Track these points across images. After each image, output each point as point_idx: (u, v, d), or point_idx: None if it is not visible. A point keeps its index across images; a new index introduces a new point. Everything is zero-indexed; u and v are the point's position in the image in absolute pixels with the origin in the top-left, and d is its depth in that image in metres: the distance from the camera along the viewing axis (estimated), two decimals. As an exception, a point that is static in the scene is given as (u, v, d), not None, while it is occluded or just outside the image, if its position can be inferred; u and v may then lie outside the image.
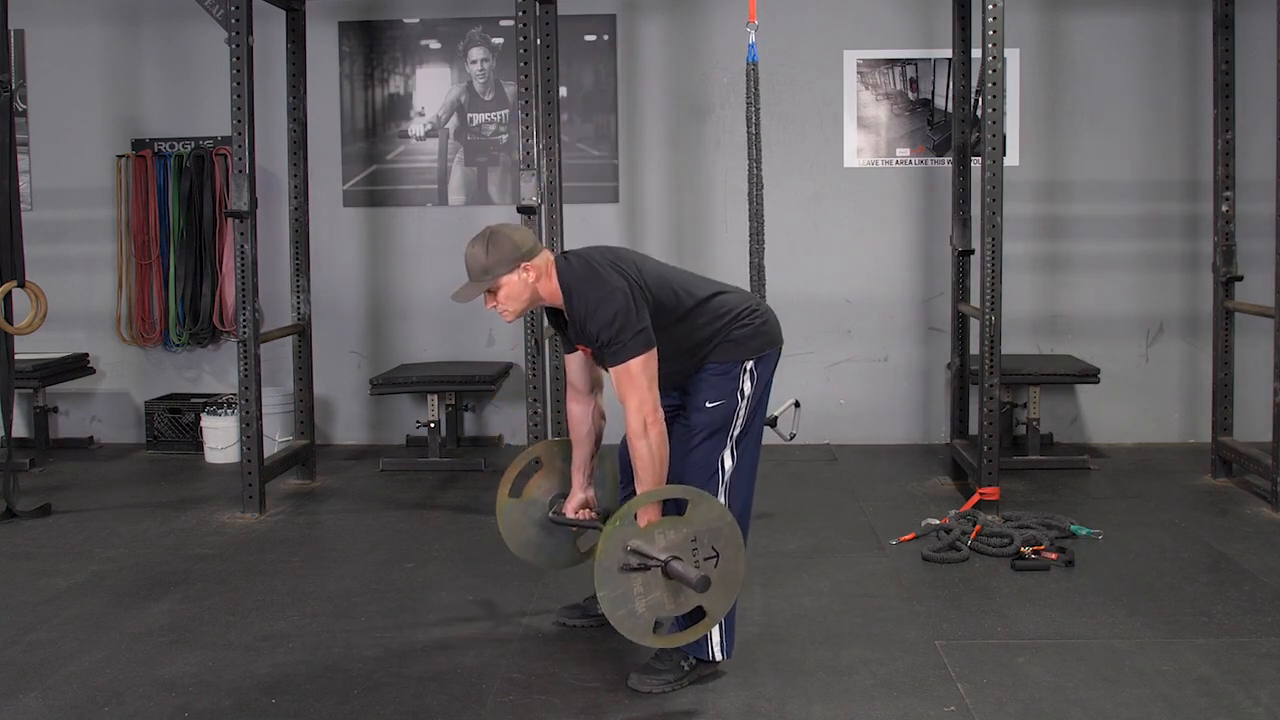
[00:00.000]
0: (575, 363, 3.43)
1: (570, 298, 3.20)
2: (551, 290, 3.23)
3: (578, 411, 3.51)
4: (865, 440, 6.55)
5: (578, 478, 3.56)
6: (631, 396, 3.12)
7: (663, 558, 2.99)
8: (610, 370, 3.17)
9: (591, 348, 3.24)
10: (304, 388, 5.77)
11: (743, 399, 3.29)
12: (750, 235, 3.32)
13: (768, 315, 3.40)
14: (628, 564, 2.99)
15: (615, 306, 3.11)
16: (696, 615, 3.12)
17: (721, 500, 3.25)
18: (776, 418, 3.63)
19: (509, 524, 3.65)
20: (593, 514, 3.55)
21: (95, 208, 6.68)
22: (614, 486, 3.69)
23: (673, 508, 3.11)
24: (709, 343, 3.28)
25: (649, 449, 3.11)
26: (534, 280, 3.20)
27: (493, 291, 3.20)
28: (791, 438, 3.90)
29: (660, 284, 3.25)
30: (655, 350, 3.15)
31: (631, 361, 3.11)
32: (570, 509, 3.57)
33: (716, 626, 3.26)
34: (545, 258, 3.22)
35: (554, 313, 3.37)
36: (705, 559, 3.04)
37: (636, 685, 3.23)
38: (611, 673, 3.34)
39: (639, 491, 3.13)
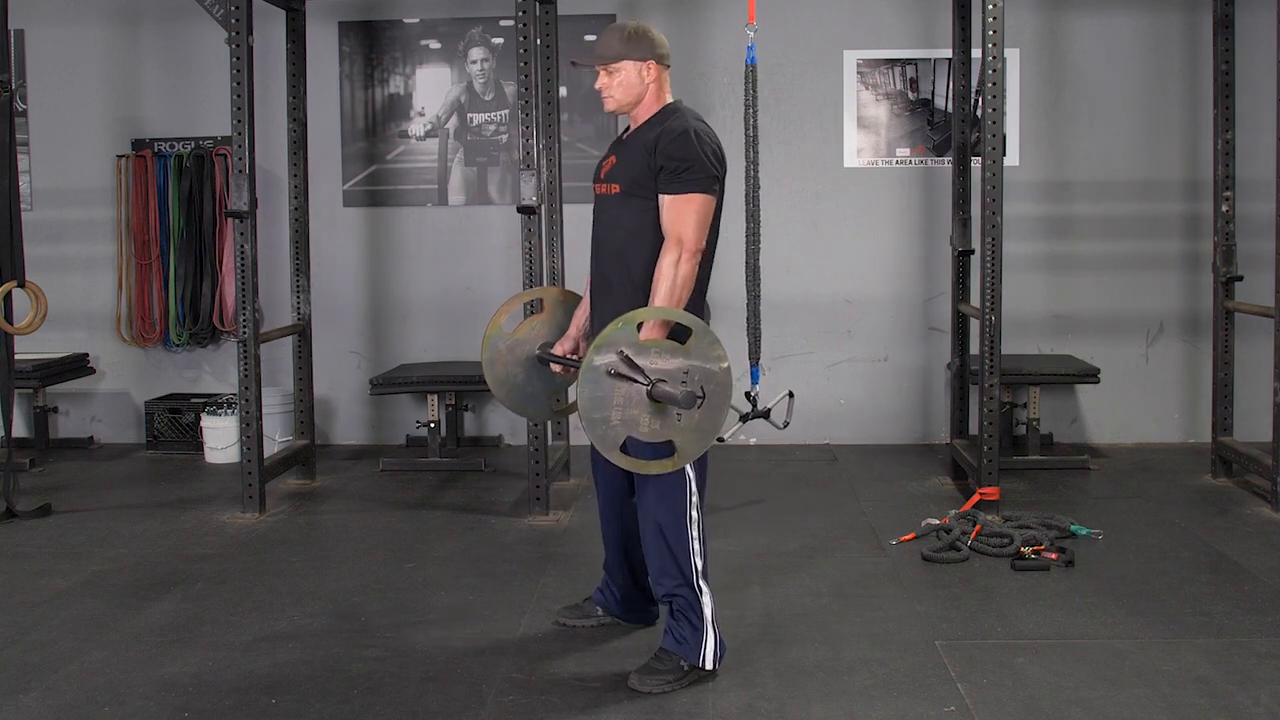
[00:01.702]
0: None
1: (664, 120, 3.23)
2: (650, 106, 3.30)
3: None
4: (865, 440, 6.55)
5: (579, 319, 3.52)
6: (677, 229, 3.12)
7: (651, 379, 2.94)
8: (668, 199, 3.15)
9: (655, 173, 3.17)
10: (304, 388, 5.77)
11: None
12: (746, 236, 3.34)
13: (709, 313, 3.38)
14: (617, 369, 2.93)
15: (704, 148, 3.17)
16: (664, 451, 3.08)
17: (690, 475, 3.22)
18: (770, 409, 3.64)
19: (492, 353, 3.55)
20: None
21: (95, 208, 6.68)
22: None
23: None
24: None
25: (673, 276, 3.10)
26: (651, 80, 3.28)
27: (610, 74, 3.28)
28: (785, 425, 3.90)
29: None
30: (714, 205, 3.17)
31: (694, 194, 3.13)
32: (562, 349, 3.53)
33: (712, 635, 3.26)
34: (667, 77, 3.31)
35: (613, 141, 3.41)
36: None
37: (636, 685, 3.22)
38: (611, 673, 3.34)
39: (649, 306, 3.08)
